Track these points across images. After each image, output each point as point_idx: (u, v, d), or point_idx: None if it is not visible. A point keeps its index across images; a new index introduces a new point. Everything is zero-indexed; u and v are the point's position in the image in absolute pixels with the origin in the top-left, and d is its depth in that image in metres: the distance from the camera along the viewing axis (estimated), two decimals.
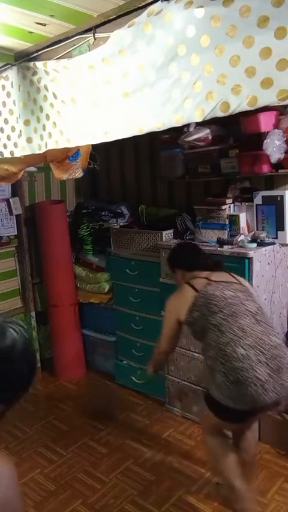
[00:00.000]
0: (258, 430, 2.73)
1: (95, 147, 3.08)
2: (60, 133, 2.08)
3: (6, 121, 2.36)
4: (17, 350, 1.00)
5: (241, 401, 1.81)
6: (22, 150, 2.31)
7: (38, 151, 2.25)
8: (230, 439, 2.14)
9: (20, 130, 2.27)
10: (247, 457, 2.12)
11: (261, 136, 2.57)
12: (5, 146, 2.42)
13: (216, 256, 2.49)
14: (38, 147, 2.23)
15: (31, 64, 2.12)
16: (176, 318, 2.10)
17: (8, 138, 2.38)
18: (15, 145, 2.35)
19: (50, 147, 2.16)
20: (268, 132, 2.57)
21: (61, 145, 2.10)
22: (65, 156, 2.93)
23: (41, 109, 2.14)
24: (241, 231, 2.76)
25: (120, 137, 1.81)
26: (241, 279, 2.21)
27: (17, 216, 3.63)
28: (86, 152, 3.04)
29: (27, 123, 2.22)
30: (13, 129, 2.33)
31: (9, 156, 2.42)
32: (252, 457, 2.17)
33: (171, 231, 3.10)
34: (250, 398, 1.78)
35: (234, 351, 1.82)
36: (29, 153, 2.28)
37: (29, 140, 2.25)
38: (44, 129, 2.16)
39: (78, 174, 3.08)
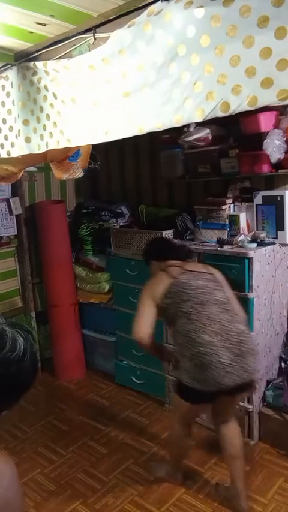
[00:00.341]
0: (258, 429, 2.74)
1: (95, 147, 3.07)
2: (60, 133, 2.08)
3: (4, 121, 2.36)
4: (27, 360, 0.99)
5: (206, 383, 1.96)
6: (20, 150, 2.31)
7: (37, 151, 2.25)
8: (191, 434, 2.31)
9: (19, 130, 2.27)
10: (233, 451, 2.20)
11: (261, 136, 2.57)
12: (1, 146, 2.42)
13: (188, 248, 2.63)
14: (38, 147, 2.23)
15: (31, 64, 2.12)
16: (153, 301, 2.18)
17: (6, 138, 2.38)
18: (12, 145, 2.35)
19: (51, 147, 2.16)
20: (268, 132, 2.57)
21: (62, 146, 2.10)
22: (65, 156, 2.93)
23: (41, 109, 2.14)
24: (241, 231, 2.76)
25: (120, 137, 1.81)
26: (213, 270, 2.31)
27: (17, 216, 3.63)
28: (87, 152, 3.04)
29: (26, 122, 2.22)
30: (11, 129, 2.33)
31: (6, 156, 2.42)
32: (237, 452, 2.20)
33: (171, 231, 3.10)
34: (214, 381, 1.93)
35: (200, 337, 1.98)
36: (27, 153, 2.28)
37: (28, 140, 2.25)
38: (44, 129, 2.16)
39: (79, 174, 3.08)
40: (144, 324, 2.19)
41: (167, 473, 2.46)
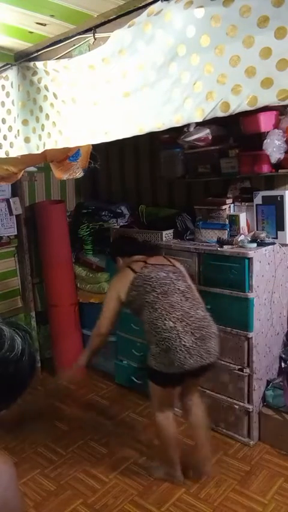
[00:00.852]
0: (258, 429, 2.74)
1: (95, 147, 3.07)
2: (59, 133, 2.08)
3: (3, 121, 2.36)
4: (25, 361, 0.99)
5: (171, 366, 2.14)
6: (19, 150, 2.31)
7: (35, 151, 2.25)
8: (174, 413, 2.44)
9: (18, 130, 2.27)
10: (197, 422, 2.43)
11: (261, 136, 2.57)
12: (0, 146, 2.42)
13: (153, 242, 2.79)
14: (36, 147, 2.23)
15: (31, 64, 2.12)
16: (118, 298, 2.33)
17: (4, 138, 2.38)
18: (11, 145, 2.35)
19: (48, 147, 2.16)
20: (268, 132, 2.57)
21: (60, 145, 2.10)
22: (65, 156, 2.93)
23: (41, 109, 2.14)
24: (241, 231, 2.76)
25: (120, 137, 1.81)
26: (175, 262, 2.49)
27: (17, 216, 3.63)
28: (87, 152, 3.04)
29: (25, 123, 2.22)
30: (10, 129, 2.33)
31: (4, 156, 2.42)
32: (200, 422, 2.43)
33: (171, 231, 3.10)
34: (179, 363, 2.11)
35: (164, 324, 2.16)
36: (26, 153, 2.28)
37: (27, 140, 2.25)
38: (42, 129, 2.16)
39: (79, 174, 3.08)
40: (106, 321, 2.37)
41: (165, 473, 2.48)
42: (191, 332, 2.15)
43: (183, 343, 2.12)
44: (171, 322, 2.15)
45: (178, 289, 2.27)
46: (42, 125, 2.15)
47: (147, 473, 2.55)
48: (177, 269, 2.42)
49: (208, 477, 2.44)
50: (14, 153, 2.35)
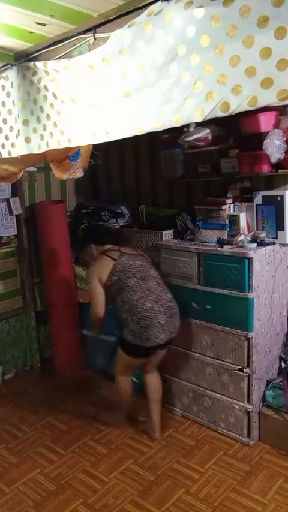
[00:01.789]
0: (258, 429, 2.74)
1: (95, 147, 3.08)
2: (61, 133, 2.08)
3: (4, 121, 2.36)
4: None
5: (148, 340, 2.52)
6: (20, 150, 2.31)
7: (36, 151, 2.25)
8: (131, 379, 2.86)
9: (18, 130, 2.27)
10: (154, 396, 2.82)
11: (261, 137, 2.57)
12: (2, 146, 2.42)
13: (122, 234, 3.08)
14: (38, 147, 2.23)
15: (31, 64, 2.12)
16: (101, 283, 2.66)
17: (6, 138, 2.38)
18: (13, 145, 2.35)
19: (51, 147, 2.16)
20: (268, 132, 2.57)
21: (63, 145, 2.10)
22: (66, 156, 2.93)
23: (41, 109, 2.14)
24: (241, 231, 2.76)
25: (120, 137, 1.81)
26: (142, 252, 2.85)
27: (17, 216, 3.63)
28: (87, 152, 3.04)
29: (26, 123, 2.22)
30: (11, 129, 2.33)
31: (7, 156, 2.42)
32: (156, 396, 2.83)
33: (171, 231, 3.10)
34: (155, 337, 2.51)
35: (144, 304, 2.53)
36: (27, 152, 2.28)
37: (28, 140, 2.25)
38: (44, 129, 2.16)
39: (79, 174, 3.08)
40: (101, 305, 2.70)
41: (110, 418, 2.97)
42: (164, 311, 2.56)
43: (159, 320, 2.52)
44: (149, 303, 2.54)
45: (152, 275, 2.67)
46: (44, 125, 2.15)
47: (148, 472, 2.55)
48: (147, 258, 2.79)
49: (157, 440, 2.81)
50: (16, 153, 2.36)
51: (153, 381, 2.83)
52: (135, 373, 2.99)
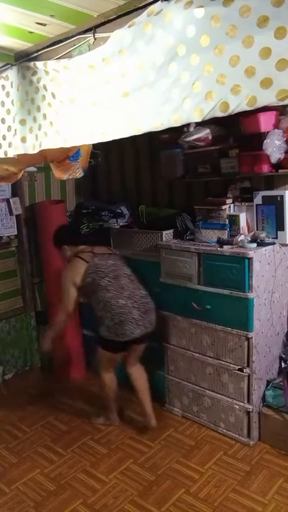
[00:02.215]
0: (258, 429, 2.74)
1: (96, 147, 3.08)
2: (56, 133, 2.08)
3: (3, 121, 2.36)
4: None
5: (123, 335, 2.64)
6: (15, 150, 2.31)
7: (31, 151, 2.24)
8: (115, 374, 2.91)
9: (15, 130, 2.27)
10: (140, 386, 2.90)
11: (261, 137, 2.57)
12: None
13: (94, 236, 3.17)
14: (32, 147, 2.22)
15: (31, 64, 2.12)
16: (75, 285, 2.75)
17: (4, 137, 2.38)
18: (10, 145, 2.35)
19: (44, 147, 2.16)
20: (268, 132, 2.56)
21: (57, 145, 2.10)
22: (66, 156, 2.93)
23: (39, 108, 2.14)
24: (241, 231, 2.75)
25: (117, 137, 1.81)
26: (115, 251, 2.99)
27: (17, 216, 3.63)
28: (87, 152, 3.04)
29: (23, 122, 2.22)
30: (9, 128, 2.33)
31: (3, 155, 2.42)
32: (143, 386, 2.91)
33: (171, 231, 3.09)
34: (130, 333, 2.63)
35: (117, 302, 2.64)
36: (23, 152, 2.28)
37: (23, 140, 2.25)
38: (39, 129, 2.16)
39: (79, 174, 3.08)
40: (72, 305, 2.80)
41: (104, 419, 3.02)
42: (138, 307, 2.67)
43: (132, 316, 2.63)
44: (122, 300, 2.65)
45: (125, 273, 2.77)
46: (39, 125, 2.15)
47: (148, 472, 2.55)
48: (119, 256, 2.90)
49: (154, 428, 2.89)
50: (12, 152, 2.36)
51: (137, 374, 2.92)
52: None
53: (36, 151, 2.22)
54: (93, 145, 3.01)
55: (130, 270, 2.84)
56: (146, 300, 2.75)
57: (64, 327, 3.00)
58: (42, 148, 2.16)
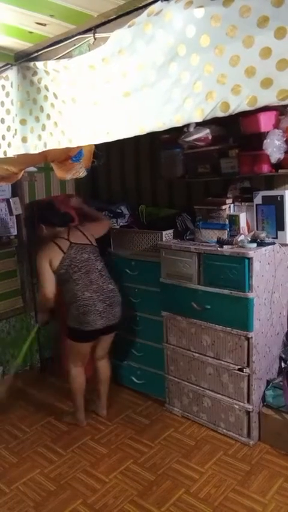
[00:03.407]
0: (258, 429, 2.74)
1: (97, 146, 3.07)
2: (61, 133, 2.08)
3: (2, 120, 2.36)
4: None
5: (87, 324, 2.80)
6: (16, 150, 2.30)
7: (33, 151, 2.24)
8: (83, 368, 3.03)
9: (16, 130, 2.27)
10: (103, 378, 3.10)
11: (261, 137, 2.57)
12: None
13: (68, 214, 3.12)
14: (34, 147, 2.22)
15: (31, 64, 2.12)
16: (50, 267, 2.84)
17: (3, 137, 2.38)
18: (9, 145, 2.35)
19: (50, 147, 2.16)
20: (268, 132, 2.56)
21: (63, 146, 2.10)
22: (67, 156, 2.93)
23: (41, 109, 2.13)
24: (241, 231, 2.76)
25: (122, 137, 1.81)
26: (91, 238, 3.02)
27: (17, 216, 3.62)
28: (89, 152, 3.04)
29: (23, 122, 2.22)
30: (9, 128, 2.33)
31: (2, 155, 2.42)
32: (106, 378, 3.12)
33: (171, 231, 3.10)
34: (92, 322, 2.80)
35: (83, 294, 2.81)
36: (23, 152, 2.27)
37: (24, 140, 2.24)
38: (43, 129, 2.16)
39: (82, 173, 3.08)
40: (51, 286, 2.87)
41: (72, 418, 3.08)
42: (103, 300, 2.83)
43: (96, 308, 2.80)
44: (88, 293, 2.81)
45: (96, 268, 2.91)
46: (43, 125, 2.15)
47: (149, 472, 2.55)
48: (95, 248, 2.99)
49: (104, 416, 3.13)
50: (12, 152, 2.35)
51: (104, 367, 3.10)
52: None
53: (38, 151, 2.21)
54: (96, 145, 3.01)
55: (102, 264, 2.96)
56: (113, 294, 2.90)
57: (50, 307, 3.07)
58: (48, 148, 2.16)
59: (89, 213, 3.32)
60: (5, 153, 2.39)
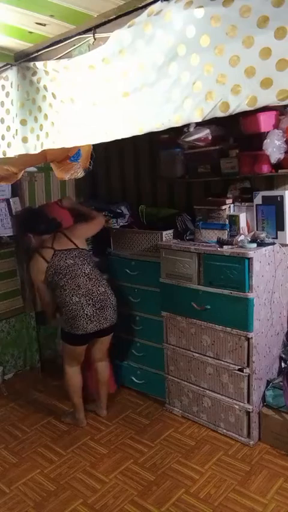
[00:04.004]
0: (258, 429, 2.74)
1: (95, 147, 3.07)
2: (58, 133, 2.08)
3: (2, 120, 2.36)
4: None
5: (77, 328, 2.81)
6: (17, 150, 2.30)
7: (33, 151, 2.24)
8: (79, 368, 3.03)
9: (16, 130, 2.27)
10: (101, 379, 3.10)
11: (261, 136, 2.57)
12: None
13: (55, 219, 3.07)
14: (34, 147, 2.22)
15: (31, 64, 2.12)
16: (40, 280, 2.91)
17: (2, 137, 2.38)
18: (9, 145, 2.35)
19: (46, 147, 2.16)
20: (268, 132, 2.56)
21: (59, 145, 2.10)
22: (66, 156, 2.93)
23: (39, 109, 2.14)
24: (241, 231, 2.75)
25: (120, 137, 1.81)
26: (77, 241, 2.97)
27: None
28: (87, 152, 3.04)
29: (23, 122, 2.22)
30: (8, 128, 2.33)
31: (1, 155, 2.42)
32: (104, 379, 3.11)
33: (171, 231, 3.09)
34: (82, 327, 2.80)
35: (71, 299, 2.81)
36: (24, 152, 2.28)
37: (25, 140, 2.24)
38: (41, 129, 2.16)
39: (80, 174, 3.08)
40: (46, 297, 2.96)
41: (72, 418, 3.08)
42: (93, 304, 2.82)
43: (85, 312, 2.79)
44: (76, 298, 2.80)
45: (83, 272, 2.87)
46: (41, 125, 2.15)
47: (149, 472, 2.55)
48: (81, 251, 2.95)
49: (104, 417, 3.14)
50: (12, 153, 2.35)
51: (102, 368, 3.09)
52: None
53: (37, 151, 2.22)
54: (93, 147, 3.01)
55: (90, 267, 2.93)
56: (104, 297, 2.87)
57: (53, 310, 3.07)
58: (44, 148, 2.16)
59: (82, 212, 3.26)
60: (4, 153, 2.40)
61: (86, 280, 2.86)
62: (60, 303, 2.87)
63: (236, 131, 2.74)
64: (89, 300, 2.82)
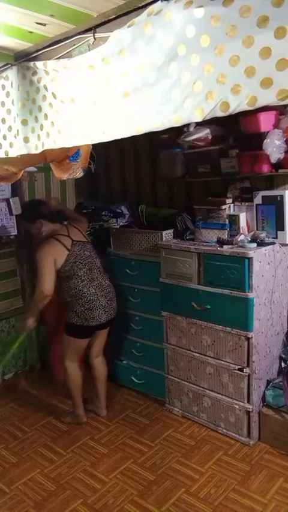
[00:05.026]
0: (258, 429, 2.74)
1: (95, 147, 3.07)
2: (58, 132, 2.08)
3: (3, 121, 2.36)
4: None
5: (92, 319, 2.87)
6: (18, 150, 2.31)
7: (34, 151, 2.25)
8: (81, 364, 3.09)
9: (18, 130, 2.27)
10: (99, 376, 3.13)
11: (261, 136, 2.57)
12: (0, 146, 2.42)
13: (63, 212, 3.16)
14: (35, 147, 2.23)
15: (31, 64, 2.12)
16: (54, 265, 2.82)
17: (4, 137, 2.38)
18: (11, 145, 2.35)
19: (47, 147, 2.16)
20: (268, 132, 2.57)
21: (59, 145, 2.10)
22: (65, 156, 2.93)
23: (40, 109, 2.14)
24: (241, 231, 2.76)
25: (118, 137, 1.81)
26: (87, 238, 3.10)
27: (17, 216, 3.62)
28: (87, 152, 3.04)
29: (24, 122, 2.22)
30: (10, 128, 2.33)
31: (4, 155, 2.42)
32: (102, 376, 3.15)
33: (171, 231, 3.10)
34: (98, 317, 2.87)
35: (88, 290, 2.87)
36: (25, 152, 2.28)
37: (26, 140, 2.25)
38: (41, 129, 2.16)
39: (79, 173, 3.08)
40: (52, 283, 2.82)
41: (72, 417, 3.10)
42: (105, 295, 2.93)
43: (101, 303, 2.89)
44: (92, 289, 2.88)
45: (96, 265, 2.98)
46: (41, 125, 2.15)
47: (149, 472, 2.55)
48: (92, 246, 3.05)
49: (104, 416, 3.14)
50: (13, 153, 2.36)
51: (99, 365, 3.13)
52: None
53: (39, 151, 2.22)
54: (92, 147, 3.01)
55: (100, 261, 3.03)
56: (110, 289, 3.01)
57: (43, 308, 3.00)
58: (45, 148, 2.16)
59: (68, 214, 3.25)
60: (6, 153, 2.40)
61: (98, 273, 2.96)
62: (76, 294, 2.86)
63: (236, 131, 2.74)
64: (102, 292, 2.92)
